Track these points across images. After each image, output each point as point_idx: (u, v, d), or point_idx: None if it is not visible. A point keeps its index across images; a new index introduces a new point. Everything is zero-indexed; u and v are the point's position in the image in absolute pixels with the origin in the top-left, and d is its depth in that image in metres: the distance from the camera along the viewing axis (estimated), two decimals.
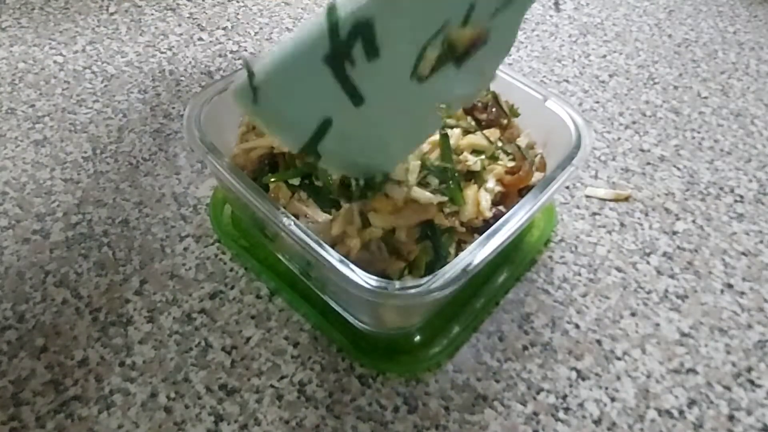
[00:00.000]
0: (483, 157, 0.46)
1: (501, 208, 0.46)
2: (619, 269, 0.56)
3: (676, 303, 0.53)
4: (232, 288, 0.52)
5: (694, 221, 0.61)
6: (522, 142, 0.51)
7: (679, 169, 0.66)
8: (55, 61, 0.73)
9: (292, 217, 0.40)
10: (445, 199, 0.43)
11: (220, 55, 0.76)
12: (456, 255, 0.45)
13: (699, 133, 0.71)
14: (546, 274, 0.55)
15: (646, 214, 0.61)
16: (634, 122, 0.72)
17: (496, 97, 0.51)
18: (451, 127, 0.47)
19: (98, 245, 0.54)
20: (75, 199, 0.58)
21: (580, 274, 0.55)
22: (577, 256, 0.57)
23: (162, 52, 0.76)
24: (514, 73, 0.54)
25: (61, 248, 0.54)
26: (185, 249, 0.54)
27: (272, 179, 0.46)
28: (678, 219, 0.61)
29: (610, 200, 0.62)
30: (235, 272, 0.53)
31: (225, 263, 0.54)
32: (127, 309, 0.50)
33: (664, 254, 0.57)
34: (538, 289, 0.54)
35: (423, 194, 0.43)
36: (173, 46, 0.77)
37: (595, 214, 0.61)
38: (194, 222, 0.57)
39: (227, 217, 0.56)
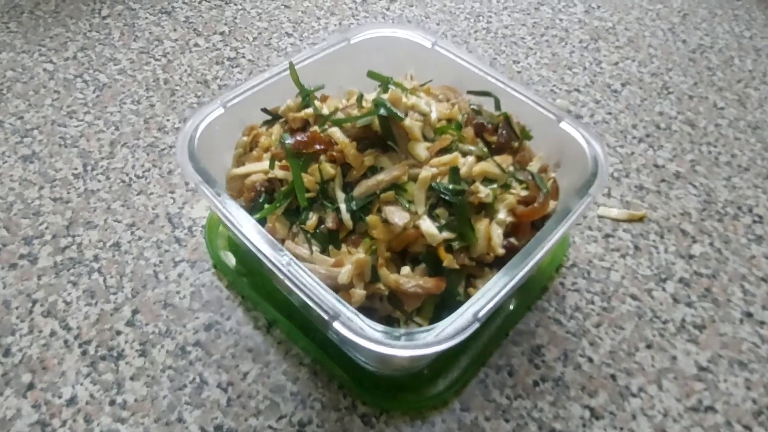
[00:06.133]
0: (495, 186, 0.43)
1: (512, 240, 0.44)
2: (633, 297, 0.53)
3: (694, 334, 0.51)
4: (229, 318, 0.49)
5: (711, 244, 0.58)
6: (534, 166, 0.48)
7: (695, 186, 0.63)
8: (45, 69, 0.70)
9: (291, 257, 0.38)
10: (453, 235, 0.41)
11: (216, 63, 0.73)
12: (465, 290, 0.42)
13: (715, 147, 0.68)
14: (558, 303, 0.53)
15: (662, 236, 0.58)
16: (648, 135, 0.69)
17: (507, 119, 0.48)
18: (464, 153, 0.44)
19: (88, 271, 0.52)
20: (64, 221, 0.55)
21: (593, 303, 0.53)
22: (590, 283, 0.54)
23: (156, 59, 0.72)
24: (526, 91, 0.51)
25: (50, 274, 0.51)
26: (179, 275, 0.52)
27: (260, 214, 0.43)
28: (695, 241, 0.58)
29: (624, 221, 0.60)
30: (231, 301, 0.51)
31: (221, 291, 0.51)
32: (118, 341, 0.47)
33: (681, 280, 0.55)
34: (550, 319, 0.51)
35: (430, 228, 0.40)
36: (168, 53, 0.73)
37: (608, 236, 0.58)
38: (189, 245, 0.54)
39: (224, 240, 0.54)
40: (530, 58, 0.78)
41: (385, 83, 0.47)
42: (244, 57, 0.74)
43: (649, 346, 0.50)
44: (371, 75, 0.48)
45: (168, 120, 0.65)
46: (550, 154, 0.51)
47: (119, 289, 0.51)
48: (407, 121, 0.42)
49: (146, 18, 0.78)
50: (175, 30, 0.77)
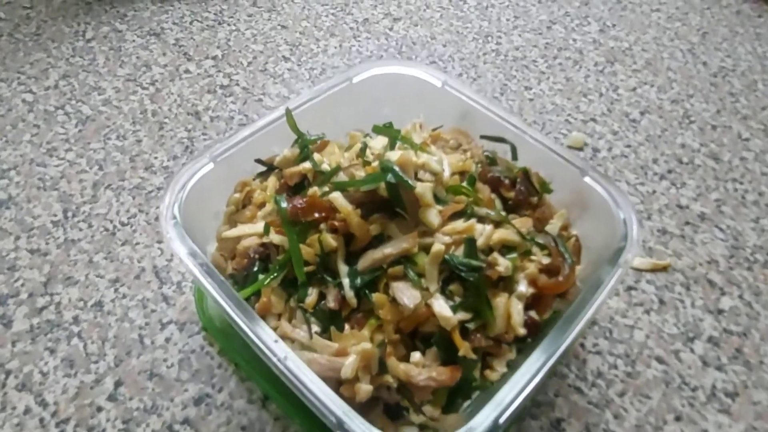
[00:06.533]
0: (514, 254, 0.39)
1: (533, 314, 0.39)
2: (660, 360, 0.49)
3: (726, 403, 0.47)
4: (221, 390, 0.45)
5: (741, 296, 0.54)
6: (555, 225, 0.44)
7: (721, 229, 0.59)
8: (24, 100, 0.65)
9: (288, 350, 0.33)
10: (469, 316, 0.36)
11: (208, 91, 0.68)
12: (482, 373, 0.38)
13: (742, 184, 0.64)
14: (578, 368, 0.48)
15: (688, 288, 0.54)
16: (669, 171, 0.64)
17: (526, 174, 0.44)
18: (480, 218, 0.40)
19: (67, 336, 0.47)
20: (42, 276, 0.51)
21: (616, 367, 0.49)
22: (613, 344, 0.50)
23: (144, 88, 0.68)
24: (545, 140, 0.47)
25: (25, 340, 0.47)
26: (167, 340, 0.48)
27: (253, 287, 0.38)
28: (723, 294, 0.54)
29: (648, 270, 0.56)
30: (223, 369, 0.46)
31: (212, 357, 0.47)
32: (99, 419, 0.43)
33: (710, 339, 0.51)
34: (570, 387, 0.47)
35: (443, 310, 0.36)
36: (156, 80, 0.69)
37: (630, 288, 0.54)
38: (177, 304, 0.50)
39: None
40: (543, 83, 0.73)
41: (392, 139, 0.43)
42: (237, 84, 0.69)
43: (678, 418, 0.46)
44: (376, 130, 0.44)
45: (156, 158, 0.60)
46: (570, 205, 0.47)
47: (101, 357, 0.46)
48: (418, 188, 0.37)
49: (133, 41, 0.74)
50: (164, 54, 0.72)
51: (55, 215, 0.55)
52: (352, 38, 0.77)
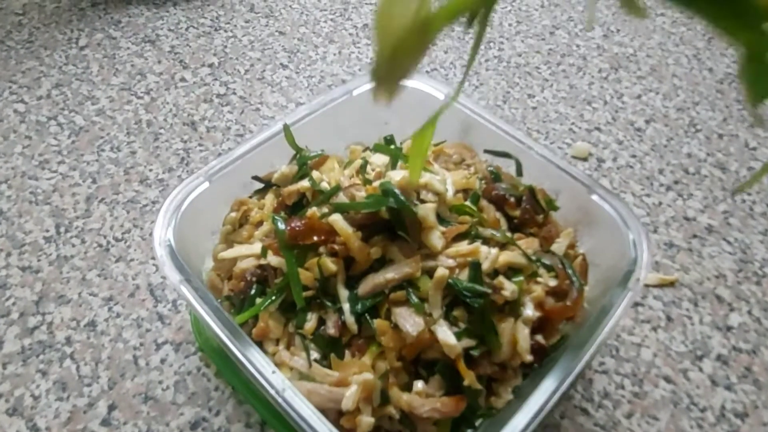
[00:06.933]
0: (520, 277, 0.38)
1: (539, 338, 0.38)
2: (668, 379, 0.48)
3: (735, 424, 0.46)
4: (218, 414, 0.44)
5: (749, 312, 0.53)
6: (562, 244, 0.43)
7: (729, 242, 0.58)
8: (15, 110, 0.64)
9: (285, 380, 0.32)
10: (474, 343, 0.35)
11: (205, 101, 0.66)
12: (487, 400, 0.37)
13: (749, 195, 0.62)
14: (584, 388, 0.47)
15: (696, 304, 0.53)
16: (676, 182, 0.63)
17: (532, 191, 0.43)
18: (485, 239, 0.38)
19: (60, 357, 0.46)
20: (34, 295, 0.49)
21: (623, 387, 0.47)
22: (619, 363, 0.49)
23: (139, 97, 0.66)
24: (552, 156, 0.45)
25: (16, 362, 0.46)
26: (162, 361, 0.46)
27: (251, 312, 0.37)
28: (732, 310, 0.53)
29: (654, 286, 0.54)
30: (221, 392, 0.45)
31: (209, 379, 0.46)
32: None
33: (719, 357, 0.50)
34: (576, 408, 0.46)
35: (447, 338, 0.35)
36: (151, 89, 0.67)
37: (637, 304, 0.53)
38: (173, 323, 0.48)
39: None
40: (546, 91, 0.72)
41: (394, 157, 0.41)
42: (234, 93, 0.68)
43: None
44: (377, 148, 0.42)
45: (151, 170, 0.59)
46: (576, 222, 0.46)
47: (94, 380, 0.45)
48: (421, 211, 0.36)
49: (128, 48, 0.72)
50: (159, 62, 0.71)
51: (47, 230, 0.54)
52: (351, 45, 0.75)
